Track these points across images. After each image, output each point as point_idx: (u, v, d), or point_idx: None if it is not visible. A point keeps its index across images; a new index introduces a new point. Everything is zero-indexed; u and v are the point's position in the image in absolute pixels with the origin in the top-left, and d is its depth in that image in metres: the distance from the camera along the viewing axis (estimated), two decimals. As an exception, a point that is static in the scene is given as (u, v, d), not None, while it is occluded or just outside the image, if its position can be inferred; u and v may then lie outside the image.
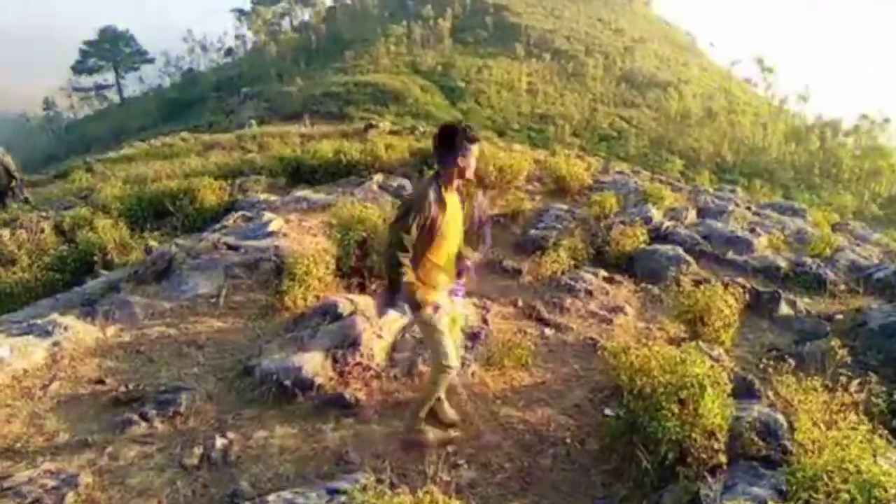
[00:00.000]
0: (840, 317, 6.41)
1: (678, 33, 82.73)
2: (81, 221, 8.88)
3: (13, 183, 13.48)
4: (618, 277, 7.35)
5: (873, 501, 2.70)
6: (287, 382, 4.44)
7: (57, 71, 70.71)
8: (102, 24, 69.93)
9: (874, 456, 2.97)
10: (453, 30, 63.63)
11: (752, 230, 9.76)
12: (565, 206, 9.63)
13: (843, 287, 7.57)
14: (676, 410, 3.48)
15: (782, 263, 7.97)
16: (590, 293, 6.73)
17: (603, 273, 7.33)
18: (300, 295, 5.75)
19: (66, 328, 5.07)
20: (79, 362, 4.82)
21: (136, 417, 4.13)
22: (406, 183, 10.71)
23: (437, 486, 3.03)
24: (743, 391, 4.32)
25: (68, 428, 4.05)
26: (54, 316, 5.22)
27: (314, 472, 3.70)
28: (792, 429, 3.56)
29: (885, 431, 3.29)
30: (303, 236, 7.42)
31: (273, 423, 4.20)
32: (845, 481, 2.81)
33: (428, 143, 12.99)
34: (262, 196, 10.26)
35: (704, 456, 3.38)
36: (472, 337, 5.38)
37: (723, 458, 3.36)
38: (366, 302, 5.71)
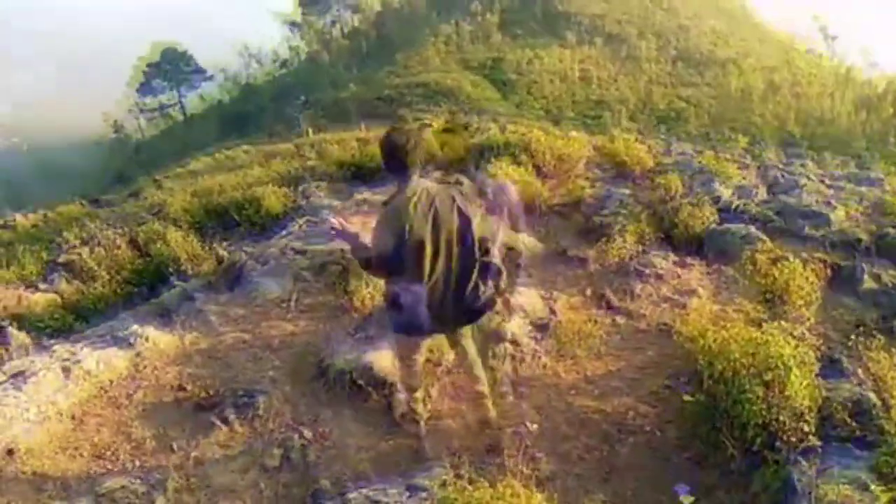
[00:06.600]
0: (930, 288, 6.06)
1: (734, 6, 79.98)
2: (154, 236, 9.18)
3: None
4: (689, 260, 7.12)
5: None
6: (360, 381, 4.48)
7: (113, 91, 73.25)
8: (153, 41, 72.07)
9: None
10: (502, 23, 63.12)
11: (828, 203, 9.31)
12: (628, 191, 9.39)
13: (931, 257, 7.16)
14: (761, 393, 3.35)
15: (863, 235, 7.57)
16: (660, 277, 6.54)
17: (673, 256, 7.10)
18: (367, 295, 5.79)
19: (146, 338, 5.25)
20: (160, 370, 4.98)
21: (217, 421, 4.24)
22: (462, 178, 10.70)
23: (517, 479, 3.00)
24: (830, 370, 4.13)
25: (154, 434, 4.19)
26: (135, 327, 5.40)
27: (392, 469, 3.72)
28: (886, 407, 3.38)
29: None
30: (366, 236, 7.47)
31: (349, 421, 4.25)
32: (951, 460, 2.64)
33: (481, 138, 12.92)
34: (325, 201, 10.39)
35: (794, 438, 3.24)
36: (541, 328, 5.31)
37: (814, 440, 3.21)
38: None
